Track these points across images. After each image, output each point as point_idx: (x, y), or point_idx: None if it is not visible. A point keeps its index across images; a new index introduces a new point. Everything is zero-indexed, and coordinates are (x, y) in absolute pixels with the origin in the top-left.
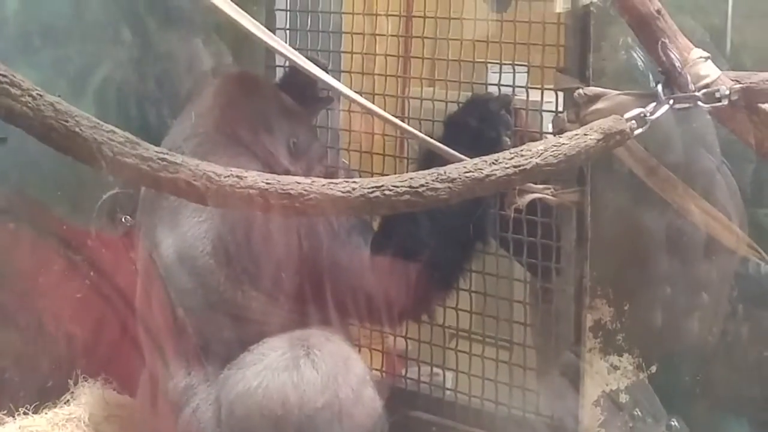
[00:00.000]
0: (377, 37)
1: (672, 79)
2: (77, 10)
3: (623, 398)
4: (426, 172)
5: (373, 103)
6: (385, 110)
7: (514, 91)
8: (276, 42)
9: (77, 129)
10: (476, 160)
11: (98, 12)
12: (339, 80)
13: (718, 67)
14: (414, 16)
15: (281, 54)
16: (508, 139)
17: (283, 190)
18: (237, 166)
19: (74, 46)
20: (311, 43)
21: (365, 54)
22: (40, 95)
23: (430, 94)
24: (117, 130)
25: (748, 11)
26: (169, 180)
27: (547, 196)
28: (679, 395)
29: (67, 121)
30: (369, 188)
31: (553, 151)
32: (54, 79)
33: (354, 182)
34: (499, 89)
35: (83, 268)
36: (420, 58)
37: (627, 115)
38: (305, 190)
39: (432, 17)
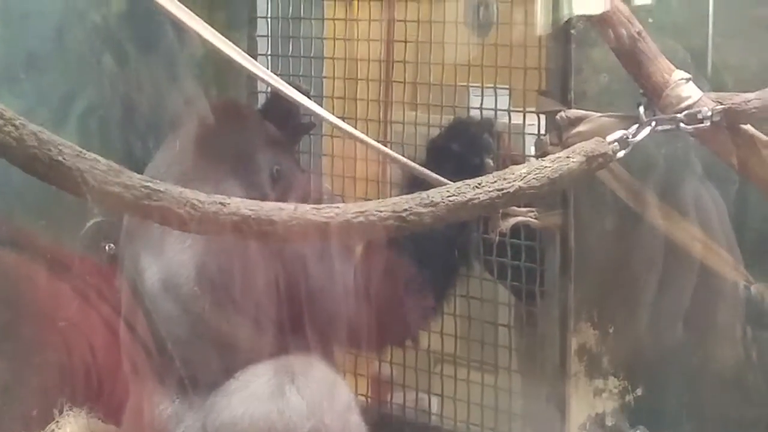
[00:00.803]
0: (359, 62)
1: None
2: (60, 38)
3: (609, 421)
4: (409, 196)
5: (356, 128)
6: (367, 135)
7: (496, 114)
8: (257, 68)
9: (60, 158)
10: (459, 183)
11: (81, 40)
12: (321, 105)
13: (699, 88)
14: (395, 41)
15: (263, 80)
16: (491, 163)
17: (267, 216)
18: (220, 193)
19: (57, 74)
20: (293, 68)
21: (347, 79)
22: (23, 125)
23: (413, 118)
24: (100, 158)
25: (729, 32)
26: (152, 208)
27: (531, 220)
28: (665, 416)
29: (50, 150)
30: (352, 213)
31: (536, 174)
32: (36, 107)
33: (337, 207)
34: (481, 112)
35: (70, 295)
36: (402, 83)
37: (609, 138)
38: (289, 216)
39: (413, 41)
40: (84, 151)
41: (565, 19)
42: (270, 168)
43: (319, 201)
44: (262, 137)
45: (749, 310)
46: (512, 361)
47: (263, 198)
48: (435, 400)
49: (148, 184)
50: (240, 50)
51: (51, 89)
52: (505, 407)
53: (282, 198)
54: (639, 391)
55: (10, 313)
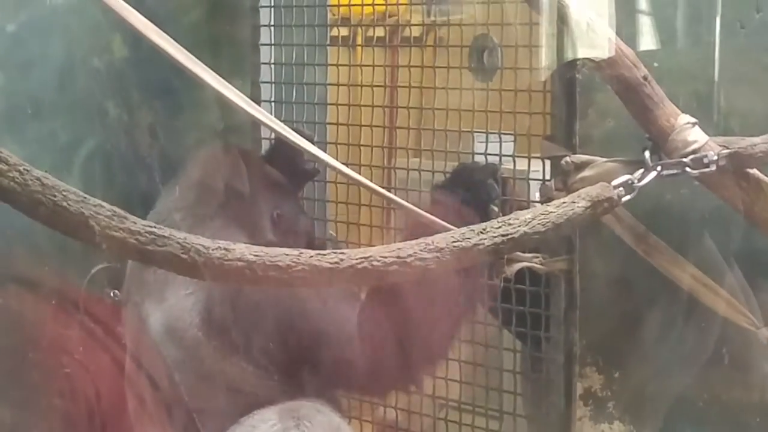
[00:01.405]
0: (362, 108)
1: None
2: (63, 85)
3: None
4: (413, 242)
5: (359, 173)
6: (371, 181)
7: (500, 159)
8: (262, 114)
9: (65, 203)
10: (464, 229)
11: (84, 87)
12: (325, 151)
13: (705, 132)
14: (399, 86)
15: (267, 126)
16: (495, 209)
17: (271, 261)
18: (222, 239)
19: (60, 121)
20: (296, 114)
21: (351, 125)
22: (27, 170)
23: (416, 165)
24: (104, 204)
25: (735, 77)
26: (157, 253)
27: (536, 265)
28: None
29: (54, 196)
30: (357, 259)
31: (540, 219)
32: (40, 154)
33: (342, 253)
34: (486, 158)
35: (77, 337)
36: (406, 129)
37: (614, 182)
38: (293, 262)
39: (417, 87)
40: (88, 196)
41: (569, 60)
42: (272, 214)
43: (323, 247)
44: (266, 183)
45: (756, 355)
46: (517, 406)
47: (266, 244)
48: None
49: (153, 229)
50: (244, 96)
51: (54, 136)
52: None
53: (285, 243)
54: None
55: (15, 357)
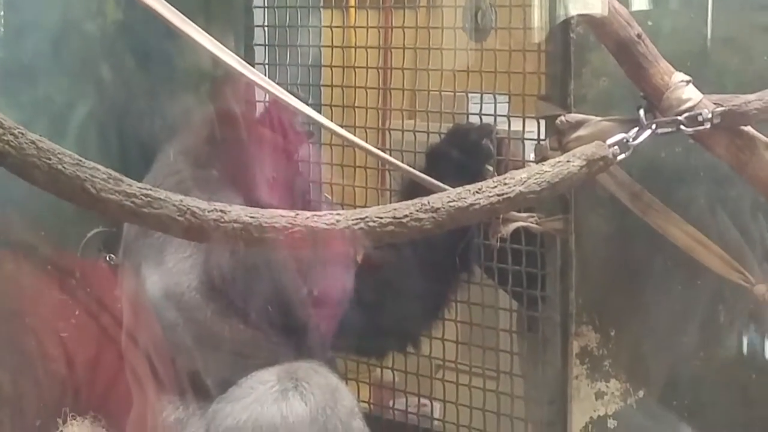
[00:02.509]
0: (356, 70)
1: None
2: (56, 49)
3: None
4: (410, 202)
5: (354, 135)
6: (366, 143)
7: (495, 120)
8: (257, 76)
9: (60, 167)
10: (460, 189)
11: (77, 51)
12: (319, 114)
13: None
14: (392, 48)
15: (262, 88)
16: (490, 169)
17: (268, 223)
18: (218, 202)
19: (54, 85)
20: (290, 77)
21: (345, 87)
22: (22, 133)
23: (411, 126)
24: (100, 167)
25: (728, 35)
26: (153, 216)
27: (531, 224)
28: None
29: (49, 159)
30: (353, 220)
31: (536, 178)
32: (34, 119)
33: (338, 214)
34: (481, 119)
35: (73, 302)
36: (400, 90)
37: (609, 141)
38: (289, 223)
39: (411, 48)
40: (83, 159)
41: (563, 19)
42: (268, 176)
43: (318, 209)
44: (261, 146)
45: (750, 311)
46: (514, 365)
47: (262, 206)
48: (437, 406)
49: (149, 192)
50: (239, 58)
51: (48, 100)
52: (507, 411)
53: (281, 206)
54: (641, 394)
55: (12, 323)
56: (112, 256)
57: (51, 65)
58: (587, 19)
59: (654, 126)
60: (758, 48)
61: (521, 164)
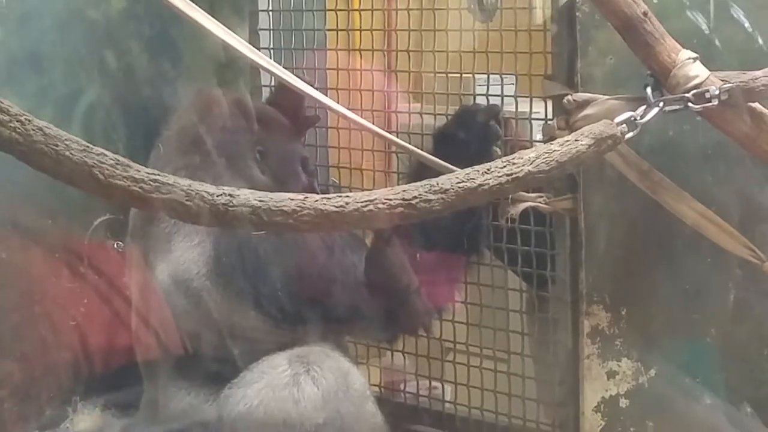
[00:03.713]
0: (362, 53)
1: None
2: (61, 37)
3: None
4: (418, 183)
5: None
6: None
7: (502, 100)
8: (263, 59)
9: (68, 153)
10: (468, 169)
11: (82, 39)
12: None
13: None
14: (397, 30)
15: (268, 71)
16: (498, 150)
17: (277, 207)
18: (225, 186)
19: (59, 73)
20: (296, 61)
21: (350, 70)
22: (29, 120)
23: (417, 109)
24: (107, 153)
25: (733, 12)
26: (161, 201)
27: (540, 205)
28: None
29: (57, 146)
30: (362, 202)
31: (544, 158)
32: (40, 107)
33: (347, 197)
34: (487, 100)
35: (82, 289)
36: (406, 72)
37: (617, 120)
38: (298, 207)
39: (416, 30)
40: (91, 146)
41: None
42: (275, 160)
43: (326, 193)
44: (267, 129)
45: (762, 288)
46: (524, 346)
47: (270, 190)
48: (448, 388)
49: (157, 177)
50: (245, 42)
51: (54, 88)
52: (518, 393)
53: (288, 190)
54: (653, 372)
55: (21, 311)
56: (120, 243)
57: (56, 53)
58: None
59: (661, 104)
60: (763, 24)
61: (528, 144)
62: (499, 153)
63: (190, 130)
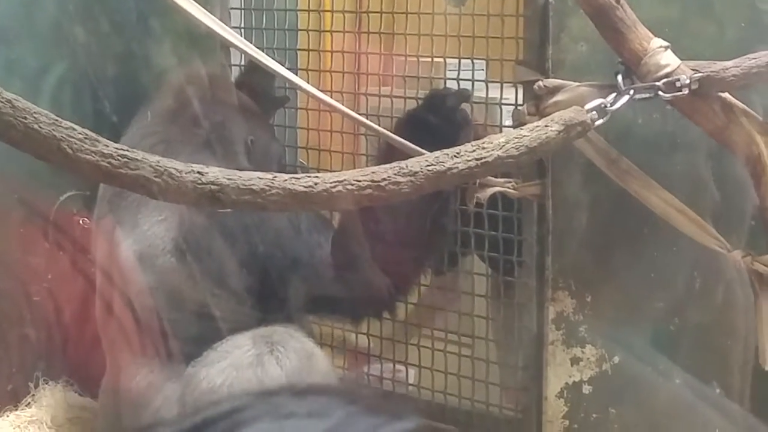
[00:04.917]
0: (333, 34)
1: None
2: (29, 10)
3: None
4: (388, 166)
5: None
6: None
7: (473, 86)
8: (234, 37)
9: (36, 126)
10: (438, 153)
11: (51, 12)
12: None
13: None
14: (369, 12)
15: (239, 49)
16: (469, 134)
17: (245, 185)
18: (196, 163)
19: (28, 47)
20: (266, 41)
21: (321, 51)
22: None
23: (387, 92)
24: (76, 127)
25: (705, 1)
26: (129, 177)
27: (509, 190)
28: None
29: (25, 119)
30: (331, 183)
31: (514, 143)
32: (8, 80)
33: (316, 177)
34: (458, 84)
35: (46, 265)
36: (377, 54)
37: (587, 106)
38: (267, 186)
39: (388, 12)
40: (59, 119)
41: None
42: (245, 140)
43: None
44: (238, 109)
45: (727, 278)
46: (489, 331)
47: (240, 169)
48: (412, 372)
49: (126, 152)
50: (217, 20)
51: (22, 62)
52: (481, 377)
53: (257, 169)
54: (616, 359)
55: None
56: (86, 219)
57: (25, 27)
58: None
59: (632, 92)
60: (735, 15)
61: (499, 130)
62: (471, 136)
63: (180, 112)
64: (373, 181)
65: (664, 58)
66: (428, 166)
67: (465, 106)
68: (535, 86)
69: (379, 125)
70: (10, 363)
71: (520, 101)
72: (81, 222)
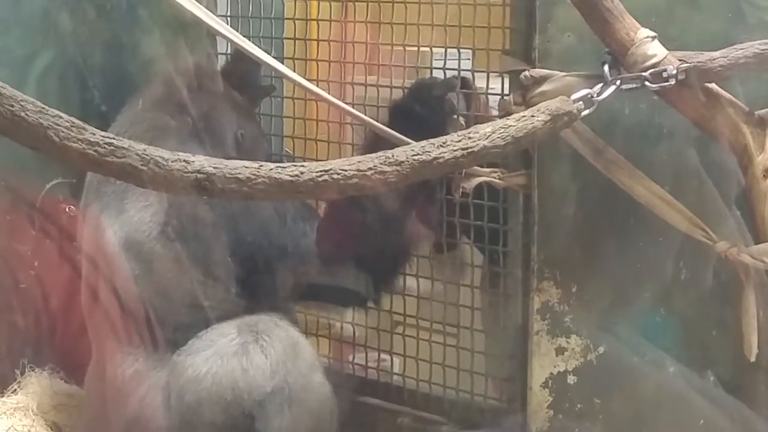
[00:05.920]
0: (319, 23)
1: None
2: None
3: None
4: (374, 155)
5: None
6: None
7: (459, 75)
8: (221, 26)
9: (23, 114)
10: (424, 142)
11: (38, 1)
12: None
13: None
14: (355, 1)
15: (226, 38)
16: (463, 123)
17: (231, 174)
18: (184, 152)
19: (15, 36)
20: (253, 29)
21: (307, 40)
22: None
23: (373, 81)
24: (63, 114)
25: None
26: (116, 165)
27: (495, 180)
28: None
29: (12, 106)
30: (317, 172)
31: (500, 133)
32: None
33: (302, 166)
34: (444, 74)
35: (32, 252)
36: (363, 43)
37: (574, 96)
38: (253, 175)
39: (374, 1)
40: (46, 107)
41: None
42: (233, 131)
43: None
44: (225, 100)
45: (713, 268)
46: (474, 321)
47: (226, 158)
48: (397, 360)
49: (112, 140)
50: (204, 8)
51: (9, 51)
52: (467, 367)
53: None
54: (601, 350)
55: None
56: (72, 206)
57: (12, 15)
58: None
59: (618, 82)
60: (721, 5)
61: (485, 120)
62: (462, 125)
63: (168, 102)
64: (359, 170)
65: (651, 48)
66: (414, 155)
67: (451, 95)
68: (522, 76)
69: (365, 114)
70: None
71: (506, 91)
72: (67, 209)
